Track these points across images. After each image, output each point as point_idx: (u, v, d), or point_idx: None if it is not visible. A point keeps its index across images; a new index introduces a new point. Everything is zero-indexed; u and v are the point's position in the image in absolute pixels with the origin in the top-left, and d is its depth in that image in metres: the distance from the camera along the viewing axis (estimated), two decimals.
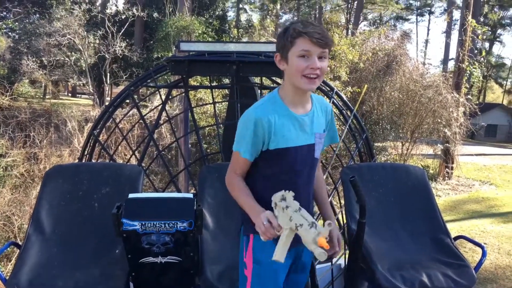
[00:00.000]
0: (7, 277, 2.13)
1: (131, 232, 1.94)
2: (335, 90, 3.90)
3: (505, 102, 40.36)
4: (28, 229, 2.39)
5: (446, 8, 32.74)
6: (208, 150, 8.77)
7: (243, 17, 35.39)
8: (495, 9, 37.58)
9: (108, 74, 15.45)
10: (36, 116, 9.68)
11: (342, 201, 3.03)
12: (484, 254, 2.41)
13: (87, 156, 3.81)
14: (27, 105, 12.24)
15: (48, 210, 2.47)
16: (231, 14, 33.24)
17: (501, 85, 45.04)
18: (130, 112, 8.77)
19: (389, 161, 10.60)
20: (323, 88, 4.00)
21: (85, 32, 14.91)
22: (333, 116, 1.90)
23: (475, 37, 11.41)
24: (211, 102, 5.38)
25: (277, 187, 1.69)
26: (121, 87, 20.56)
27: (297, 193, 1.66)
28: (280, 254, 1.59)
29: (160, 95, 5.49)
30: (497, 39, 42.05)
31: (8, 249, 5.62)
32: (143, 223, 1.93)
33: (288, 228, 1.58)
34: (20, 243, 2.42)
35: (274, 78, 4.35)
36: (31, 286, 2.05)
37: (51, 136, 8.62)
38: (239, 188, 1.78)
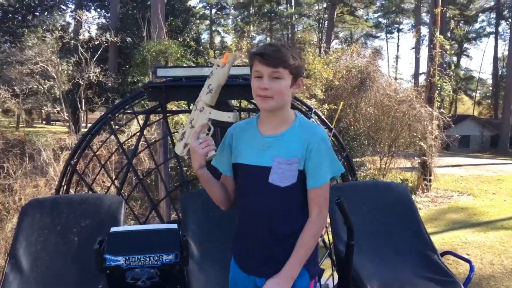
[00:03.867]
0: None
1: (114, 268, 1.87)
2: (313, 110, 3.93)
3: (475, 113, 41.56)
4: (6, 269, 2.28)
5: (414, 24, 33.85)
6: (188, 173, 8.66)
7: (217, 39, 35.76)
8: (460, 25, 39.01)
9: (83, 100, 15.25)
10: (9, 146, 9.39)
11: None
12: (471, 269, 2.42)
13: (65, 186, 3.71)
14: (0, 135, 11.91)
15: (25, 247, 2.37)
16: (205, 37, 33.58)
17: (470, 97, 46.52)
18: (108, 139, 8.63)
19: (368, 176, 10.69)
20: (301, 108, 4.03)
21: (58, 59, 14.71)
22: (318, 151, 1.64)
23: (443, 52, 11.76)
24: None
25: (240, 205, 1.78)
26: (97, 113, 20.29)
27: (246, 217, 1.74)
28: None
29: (138, 121, 5.43)
30: (464, 53, 43.63)
31: None
32: (127, 258, 1.86)
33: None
34: None
35: (252, 100, 4.36)
36: None
37: (25, 166, 8.38)
38: None
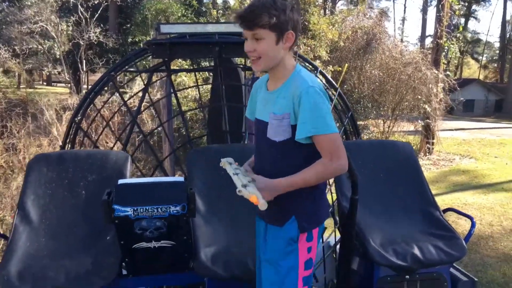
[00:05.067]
0: None
1: (123, 218, 1.90)
2: (319, 69, 3.88)
3: (481, 77, 41.04)
4: (15, 220, 2.32)
5: None
6: (191, 135, 8.68)
7: None
8: None
9: (84, 61, 15.09)
10: (12, 106, 9.40)
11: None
12: (473, 225, 2.45)
13: (69, 144, 3.72)
14: (2, 95, 11.87)
15: (33, 200, 2.40)
16: None
17: (477, 60, 45.80)
18: (110, 99, 8.60)
19: (372, 139, 10.70)
20: (307, 67, 3.97)
21: (58, 19, 14.44)
22: (305, 105, 1.57)
23: (452, 12, 11.48)
24: (194, 85, 5.30)
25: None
26: (98, 74, 20.12)
27: (255, 169, 1.78)
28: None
29: (142, 79, 5.38)
30: (472, 14, 42.61)
31: None
32: (135, 209, 1.89)
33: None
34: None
35: None
36: (21, 277, 2.01)
37: (28, 126, 8.41)
38: None
